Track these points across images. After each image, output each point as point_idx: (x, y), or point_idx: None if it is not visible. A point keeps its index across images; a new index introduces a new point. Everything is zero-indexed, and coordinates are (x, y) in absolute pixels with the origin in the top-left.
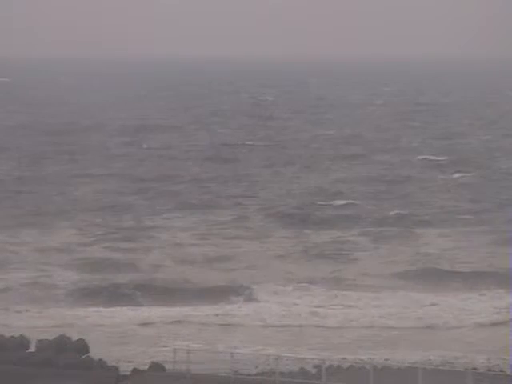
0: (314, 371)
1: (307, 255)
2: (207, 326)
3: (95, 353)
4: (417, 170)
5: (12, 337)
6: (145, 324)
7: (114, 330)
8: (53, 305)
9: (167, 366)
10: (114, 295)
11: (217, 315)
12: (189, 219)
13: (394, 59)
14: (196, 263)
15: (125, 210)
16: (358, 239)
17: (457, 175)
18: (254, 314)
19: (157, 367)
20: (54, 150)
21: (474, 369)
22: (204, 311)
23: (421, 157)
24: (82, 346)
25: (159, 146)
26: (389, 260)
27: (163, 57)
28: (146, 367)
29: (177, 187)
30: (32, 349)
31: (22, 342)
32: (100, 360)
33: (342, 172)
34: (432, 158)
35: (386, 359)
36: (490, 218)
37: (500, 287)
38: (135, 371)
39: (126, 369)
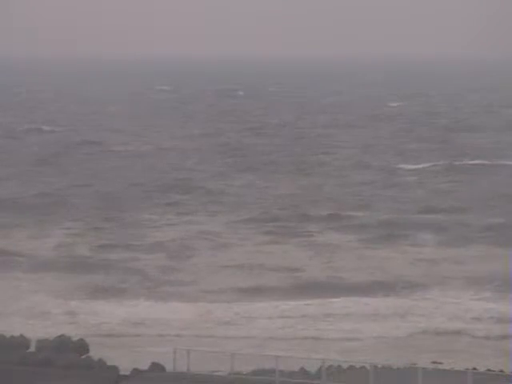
0: (313, 371)
1: None
2: None
3: None
4: None
5: (12, 336)
6: None
7: None
8: None
9: (167, 366)
10: None
11: None
12: None
13: (392, 58)
14: None
15: None
16: None
17: None
18: None
19: (157, 367)
20: None
21: (474, 369)
22: None
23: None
24: (82, 346)
25: None
26: None
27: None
28: (146, 367)
29: None
30: (32, 349)
31: (22, 342)
32: (100, 360)
33: None
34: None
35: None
36: None
37: None
38: (135, 371)
39: (126, 369)
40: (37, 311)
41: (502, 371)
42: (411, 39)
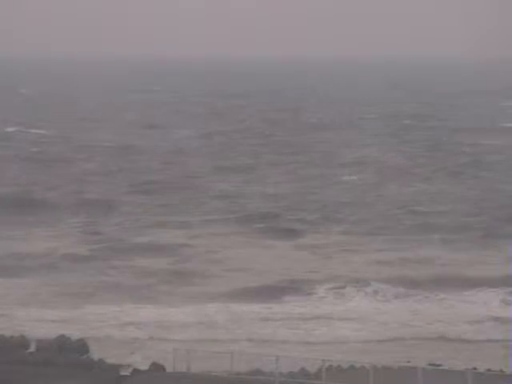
0: (313, 371)
1: None
2: None
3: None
4: None
5: (12, 337)
6: None
7: None
8: None
9: (167, 366)
10: None
11: None
12: None
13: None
14: None
15: None
16: None
17: None
18: None
19: (157, 367)
20: None
21: (474, 368)
22: None
23: None
24: (82, 346)
25: None
26: None
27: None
28: (146, 367)
29: None
30: (32, 349)
31: (22, 342)
32: (100, 360)
33: None
34: None
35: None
36: None
37: None
38: (135, 371)
39: (125, 369)
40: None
41: (502, 371)
42: (412, 40)
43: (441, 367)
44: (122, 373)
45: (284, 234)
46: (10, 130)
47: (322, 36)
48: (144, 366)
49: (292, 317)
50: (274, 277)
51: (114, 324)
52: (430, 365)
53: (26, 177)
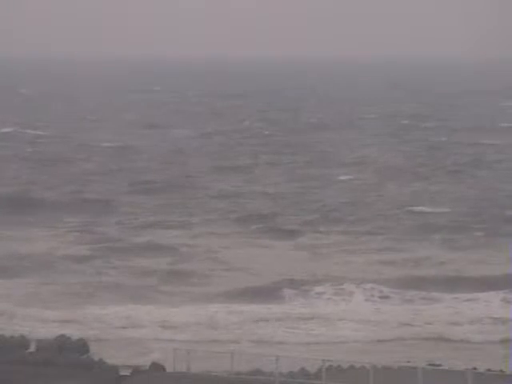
0: (314, 371)
1: None
2: None
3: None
4: None
5: (12, 337)
6: None
7: None
8: None
9: (167, 366)
10: None
11: None
12: None
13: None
14: None
15: None
16: None
17: None
18: None
19: (157, 367)
20: None
21: (474, 368)
22: None
23: None
24: (82, 346)
25: None
26: None
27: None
28: (147, 367)
29: None
30: (32, 349)
31: (22, 342)
32: (100, 360)
33: None
34: None
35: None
36: None
37: None
38: (135, 371)
39: (126, 369)
40: None
41: (502, 371)
42: (412, 40)
43: (441, 367)
44: (122, 373)
45: (283, 234)
46: (9, 130)
47: (322, 36)
48: (144, 366)
49: (292, 317)
50: (274, 277)
51: (114, 324)
52: (429, 365)
53: (25, 176)
